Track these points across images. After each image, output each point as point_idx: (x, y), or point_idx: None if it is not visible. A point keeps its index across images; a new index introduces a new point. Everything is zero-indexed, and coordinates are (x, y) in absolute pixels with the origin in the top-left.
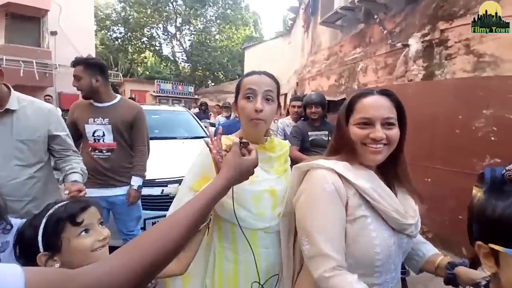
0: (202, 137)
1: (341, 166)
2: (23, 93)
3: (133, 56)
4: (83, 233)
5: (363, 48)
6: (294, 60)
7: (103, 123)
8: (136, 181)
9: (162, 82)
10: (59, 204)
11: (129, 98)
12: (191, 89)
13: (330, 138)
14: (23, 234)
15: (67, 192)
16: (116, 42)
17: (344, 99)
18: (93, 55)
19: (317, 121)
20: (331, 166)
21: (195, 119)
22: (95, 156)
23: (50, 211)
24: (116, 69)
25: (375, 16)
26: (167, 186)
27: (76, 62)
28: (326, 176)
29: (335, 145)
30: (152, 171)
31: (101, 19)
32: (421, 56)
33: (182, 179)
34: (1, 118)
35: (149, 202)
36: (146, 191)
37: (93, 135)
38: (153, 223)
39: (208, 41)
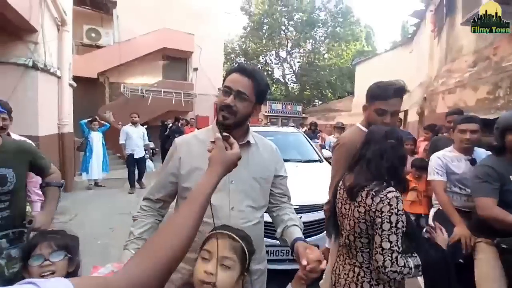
0: (316, 161)
1: None
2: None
3: None
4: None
5: None
6: (420, 70)
7: None
8: None
9: (273, 102)
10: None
11: None
12: (299, 108)
13: None
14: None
15: (304, 262)
16: None
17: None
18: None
19: None
20: None
21: (308, 141)
22: None
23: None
24: None
25: None
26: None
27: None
28: None
29: None
30: None
31: (228, 52)
32: None
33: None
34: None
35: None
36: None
37: None
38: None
39: (317, 61)
